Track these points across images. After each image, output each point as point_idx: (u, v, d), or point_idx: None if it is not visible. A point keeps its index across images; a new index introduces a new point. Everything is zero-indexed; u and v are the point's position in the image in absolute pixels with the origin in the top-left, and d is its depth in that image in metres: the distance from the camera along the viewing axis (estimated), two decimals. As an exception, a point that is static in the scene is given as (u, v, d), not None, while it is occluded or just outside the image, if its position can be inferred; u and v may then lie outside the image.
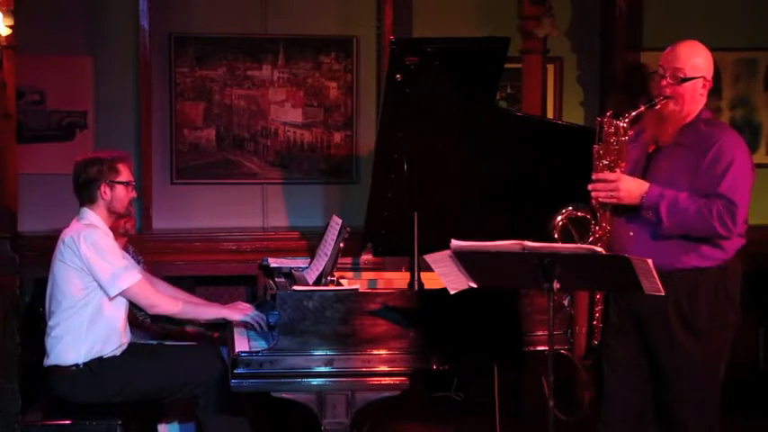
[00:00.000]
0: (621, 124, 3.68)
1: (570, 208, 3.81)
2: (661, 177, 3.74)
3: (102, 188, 4.40)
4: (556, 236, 3.83)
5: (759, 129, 6.89)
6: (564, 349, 3.91)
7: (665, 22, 6.70)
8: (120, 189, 4.43)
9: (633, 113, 3.70)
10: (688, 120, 3.77)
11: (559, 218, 3.85)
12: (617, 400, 3.89)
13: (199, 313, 4.55)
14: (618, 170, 3.69)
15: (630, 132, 3.76)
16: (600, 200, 3.71)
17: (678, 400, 3.80)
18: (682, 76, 3.72)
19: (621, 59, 6.49)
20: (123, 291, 4.33)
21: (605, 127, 3.70)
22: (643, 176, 3.77)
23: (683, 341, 3.74)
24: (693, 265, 3.71)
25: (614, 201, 3.67)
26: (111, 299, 4.33)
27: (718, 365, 3.83)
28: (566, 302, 3.88)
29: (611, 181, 3.67)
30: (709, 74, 3.79)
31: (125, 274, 4.33)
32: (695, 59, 3.75)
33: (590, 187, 3.70)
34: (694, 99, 3.77)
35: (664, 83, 3.73)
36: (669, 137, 3.75)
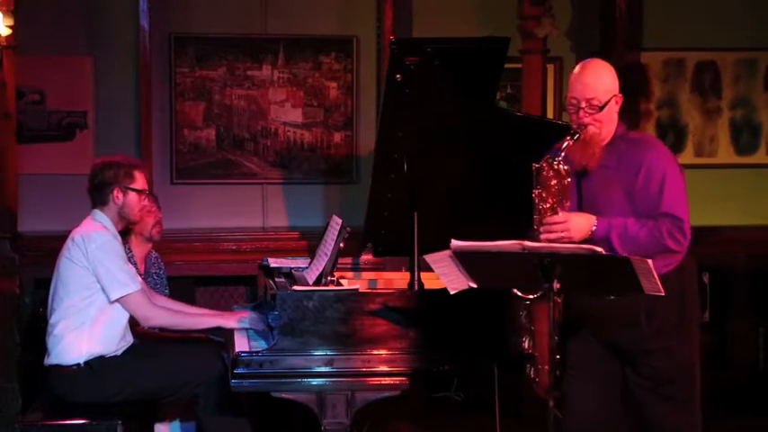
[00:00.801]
0: (562, 167, 3.68)
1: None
2: (595, 200, 3.78)
3: (115, 192, 4.44)
4: None
5: (759, 129, 6.89)
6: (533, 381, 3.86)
7: (665, 22, 6.70)
8: (132, 196, 4.47)
9: (563, 153, 3.70)
10: (608, 140, 3.79)
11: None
12: (577, 409, 3.89)
13: (193, 324, 4.55)
14: (561, 210, 3.69)
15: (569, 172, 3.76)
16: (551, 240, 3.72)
17: (660, 404, 3.81)
18: (597, 104, 3.74)
19: (621, 59, 6.48)
20: (121, 298, 4.34)
21: (544, 171, 3.70)
22: (578, 201, 3.80)
23: (659, 346, 3.76)
24: (657, 273, 3.73)
25: (566, 240, 3.68)
26: (111, 303, 4.35)
27: (695, 363, 3.88)
28: (525, 343, 3.86)
29: (560, 222, 3.68)
30: (618, 88, 3.80)
31: (127, 282, 4.35)
32: (604, 82, 3.77)
33: (543, 230, 3.69)
34: (611, 119, 3.81)
35: (582, 114, 3.74)
36: (595, 160, 3.77)
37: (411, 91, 4.31)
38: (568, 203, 3.73)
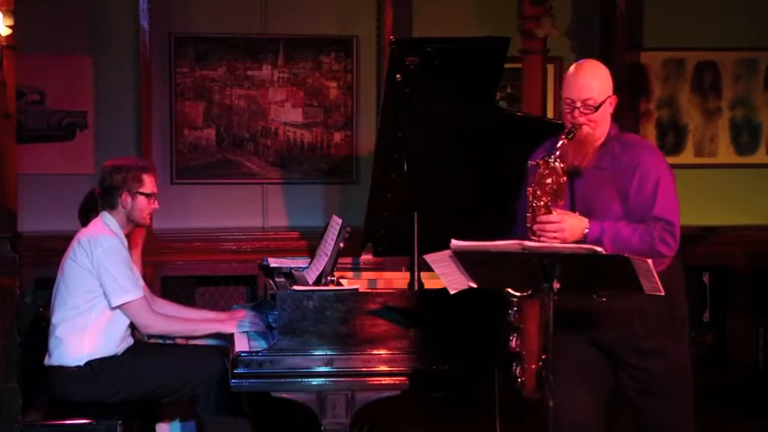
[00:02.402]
0: (559, 164, 3.70)
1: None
2: (589, 201, 3.78)
3: (124, 196, 4.44)
4: None
5: (759, 129, 6.89)
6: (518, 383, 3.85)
7: (665, 22, 6.71)
8: (141, 200, 4.46)
9: (558, 152, 3.71)
10: (601, 140, 3.80)
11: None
12: (565, 412, 3.87)
13: (192, 331, 4.55)
14: (555, 210, 3.70)
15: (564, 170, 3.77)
16: (544, 240, 3.72)
17: (654, 405, 3.82)
18: (593, 104, 3.75)
19: (621, 59, 6.49)
20: (123, 305, 4.34)
21: (539, 169, 3.71)
22: (571, 201, 3.81)
23: (652, 347, 3.77)
24: None
25: (558, 241, 3.68)
26: (112, 309, 4.35)
27: (687, 363, 3.89)
28: (512, 342, 3.84)
29: (555, 222, 3.68)
30: (612, 90, 3.81)
31: (131, 289, 4.35)
32: (600, 83, 3.79)
33: (536, 228, 3.69)
34: (605, 120, 3.82)
35: (577, 113, 3.75)
36: (588, 160, 3.78)
37: (411, 91, 4.31)
38: (563, 202, 3.74)
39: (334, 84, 6.55)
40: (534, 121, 5.21)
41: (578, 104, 3.75)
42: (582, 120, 3.75)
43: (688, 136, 6.83)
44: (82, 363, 4.32)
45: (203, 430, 4.45)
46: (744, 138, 6.88)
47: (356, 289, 4.15)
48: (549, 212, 3.69)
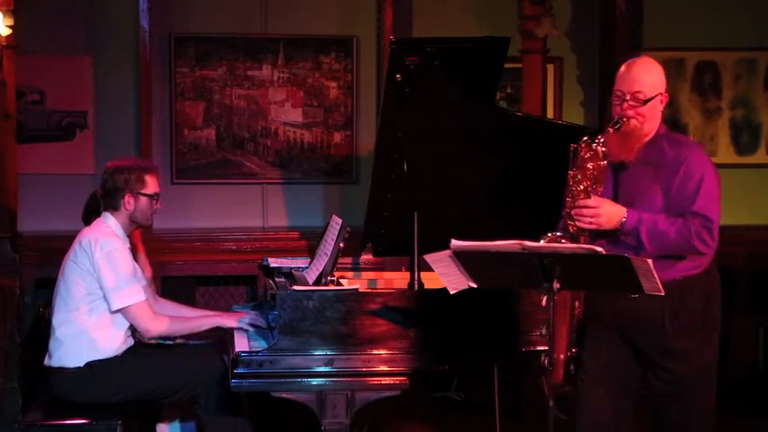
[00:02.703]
0: (600, 149, 3.70)
1: (550, 235, 3.81)
2: (632, 195, 3.78)
3: (127, 198, 4.42)
4: None
5: (759, 129, 6.89)
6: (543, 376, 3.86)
7: (665, 22, 6.70)
8: (144, 201, 4.44)
9: (602, 138, 3.71)
10: (650, 136, 3.80)
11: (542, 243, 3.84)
12: (591, 411, 3.89)
13: (194, 328, 4.53)
14: (594, 195, 3.71)
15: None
16: (580, 226, 3.72)
17: (678, 405, 3.81)
18: (642, 97, 3.76)
19: (621, 59, 6.46)
20: (123, 308, 4.33)
21: (581, 152, 3.71)
22: (613, 194, 3.81)
23: (682, 349, 3.76)
24: (683, 274, 3.74)
25: (594, 227, 3.69)
26: (112, 312, 4.34)
27: (714, 366, 3.88)
28: (541, 332, 3.84)
29: (593, 207, 3.69)
30: (664, 87, 3.84)
31: (129, 292, 4.33)
32: (652, 78, 3.79)
33: (574, 213, 3.70)
34: (654, 116, 3.82)
35: (626, 106, 3.75)
36: (633, 154, 3.78)
37: (411, 91, 4.31)
38: (601, 189, 3.73)
39: (334, 84, 6.55)
40: (534, 120, 5.22)
41: (627, 97, 3.75)
42: (630, 112, 3.75)
43: (688, 136, 6.82)
44: (82, 364, 4.32)
45: (203, 430, 4.45)
46: (744, 138, 6.88)
47: (356, 289, 4.15)
48: (588, 197, 3.69)
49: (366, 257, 5.01)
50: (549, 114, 6.53)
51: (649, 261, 3.32)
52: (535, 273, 3.44)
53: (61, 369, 4.34)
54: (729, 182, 6.74)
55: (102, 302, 4.34)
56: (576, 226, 3.73)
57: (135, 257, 4.58)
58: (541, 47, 6.04)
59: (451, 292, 3.63)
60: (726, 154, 6.85)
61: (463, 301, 3.80)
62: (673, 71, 6.77)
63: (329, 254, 4.31)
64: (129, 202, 4.42)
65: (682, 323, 3.75)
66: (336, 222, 4.39)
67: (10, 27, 5.51)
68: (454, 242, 3.47)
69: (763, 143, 6.90)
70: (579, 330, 3.78)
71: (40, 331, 4.67)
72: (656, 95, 3.78)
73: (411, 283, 4.34)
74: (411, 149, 4.40)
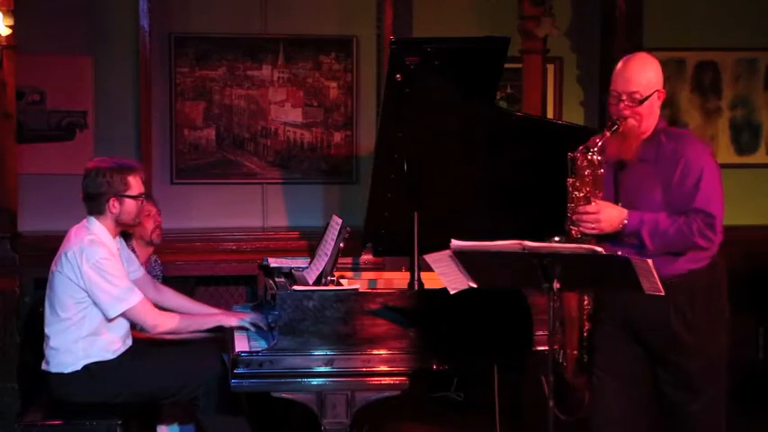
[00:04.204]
0: (595, 157, 3.72)
1: (557, 239, 3.82)
2: (633, 194, 3.79)
3: (111, 202, 4.30)
4: None
5: (759, 129, 6.90)
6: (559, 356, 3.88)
7: (665, 22, 6.71)
8: (129, 203, 4.32)
9: (600, 143, 3.72)
10: (648, 133, 3.80)
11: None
12: (604, 409, 3.89)
13: (199, 325, 4.50)
14: (594, 200, 3.71)
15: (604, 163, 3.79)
16: (583, 231, 3.73)
17: (689, 400, 3.82)
18: (639, 97, 3.74)
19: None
20: (124, 312, 4.28)
21: (578, 161, 3.72)
22: (614, 194, 3.81)
23: (689, 343, 3.76)
24: (688, 268, 3.74)
25: (597, 231, 3.69)
26: (109, 320, 4.31)
27: (724, 362, 3.88)
28: (553, 329, 3.84)
29: (593, 213, 3.69)
30: (661, 84, 3.81)
31: (126, 296, 4.27)
32: (647, 76, 3.77)
33: (575, 219, 3.71)
34: (652, 114, 3.81)
35: (622, 106, 3.75)
36: (632, 153, 3.78)
37: (411, 91, 4.31)
38: (601, 194, 3.74)
39: (334, 84, 6.55)
40: (534, 120, 5.22)
41: (624, 97, 3.74)
42: (627, 112, 3.74)
43: (687, 130, 6.83)
44: (79, 367, 4.28)
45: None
46: (744, 138, 6.88)
47: (356, 289, 4.15)
48: (589, 203, 3.70)
49: (366, 257, 5.01)
50: (549, 114, 6.53)
51: (650, 261, 3.32)
52: (535, 273, 3.44)
53: (59, 374, 4.30)
54: (729, 182, 6.72)
55: (93, 309, 4.27)
56: (579, 231, 3.74)
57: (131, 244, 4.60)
58: (541, 47, 6.04)
59: (451, 292, 3.63)
60: (726, 154, 6.85)
61: (463, 301, 3.80)
62: (673, 71, 6.77)
63: (329, 254, 4.30)
64: (113, 205, 4.30)
65: (687, 318, 3.74)
66: (336, 222, 4.39)
67: (10, 27, 5.52)
68: (454, 242, 3.47)
69: (763, 143, 6.90)
70: (589, 327, 3.79)
71: (39, 331, 4.66)
72: (653, 93, 3.76)
73: (411, 283, 4.34)
74: (411, 149, 4.40)
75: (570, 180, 3.75)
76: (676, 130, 3.95)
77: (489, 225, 4.54)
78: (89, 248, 4.24)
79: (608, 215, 3.70)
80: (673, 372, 3.81)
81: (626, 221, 3.69)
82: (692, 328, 3.75)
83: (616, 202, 3.78)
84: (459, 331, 4.14)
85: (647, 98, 3.74)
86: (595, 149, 3.72)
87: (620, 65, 3.82)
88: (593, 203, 3.71)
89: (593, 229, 3.70)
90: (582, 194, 3.73)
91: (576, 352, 3.68)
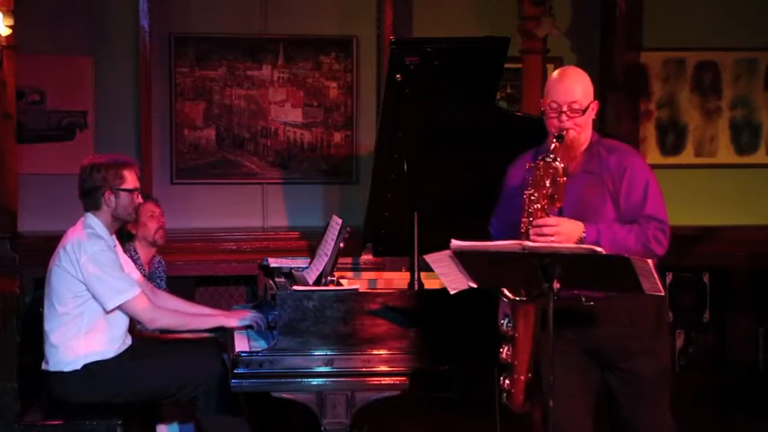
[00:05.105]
0: (560, 165, 3.69)
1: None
2: (580, 205, 3.79)
3: (107, 195, 4.33)
4: None
5: (759, 129, 6.90)
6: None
7: (665, 22, 6.71)
8: (124, 197, 4.35)
9: (552, 154, 3.71)
10: (585, 145, 3.83)
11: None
12: (560, 421, 3.87)
13: (198, 324, 4.51)
14: (552, 214, 3.70)
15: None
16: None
17: (639, 406, 3.82)
18: (579, 108, 3.78)
19: (621, 59, 6.50)
20: (121, 305, 4.29)
21: (538, 171, 3.69)
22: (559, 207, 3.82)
23: (643, 349, 3.78)
24: None
25: (555, 244, 3.68)
26: (107, 313, 4.31)
27: (669, 365, 3.97)
28: (504, 353, 3.79)
29: (553, 225, 3.68)
30: (593, 94, 3.86)
31: (124, 289, 4.28)
32: (585, 88, 3.82)
33: (532, 232, 3.69)
34: (588, 125, 3.86)
35: (564, 118, 3.76)
36: (575, 164, 3.79)
37: (411, 91, 4.31)
38: (560, 205, 3.73)
39: (334, 84, 6.55)
40: (534, 120, 5.21)
41: (564, 108, 3.77)
42: (569, 124, 3.77)
43: (688, 136, 6.83)
44: (79, 367, 4.28)
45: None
46: (744, 138, 6.88)
47: (356, 289, 4.15)
48: (547, 216, 3.69)
49: (366, 257, 5.01)
50: (549, 114, 6.52)
51: (649, 261, 3.33)
52: (535, 273, 3.44)
53: (59, 373, 4.31)
54: (729, 182, 6.82)
55: (93, 303, 4.29)
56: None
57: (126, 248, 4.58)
58: (541, 47, 6.04)
59: (451, 293, 3.63)
60: (726, 154, 6.85)
61: (463, 301, 3.80)
62: (673, 71, 6.78)
63: (329, 254, 4.30)
64: (109, 199, 4.33)
65: (640, 324, 3.77)
66: (336, 222, 4.39)
67: (10, 27, 5.51)
68: (454, 242, 3.47)
69: (763, 143, 6.90)
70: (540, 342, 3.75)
71: (39, 331, 4.66)
72: (590, 104, 3.80)
73: (411, 283, 4.34)
74: (411, 149, 4.40)
75: (527, 192, 3.70)
76: (611, 142, 3.95)
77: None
78: (87, 241, 4.27)
79: (567, 229, 3.67)
80: (625, 378, 3.82)
81: (584, 235, 3.69)
82: (641, 333, 3.78)
83: (559, 214, 3.77)
84: (459, 331, 4.15)
85: (586, 109, 3.77)
86: (555, 157, 3.70)
87: (555, 77, 3.85)
88: (552, 217, 3.70)
89: (551, 242, 3.66)
90: (539, 207, 3.69)
91: (523, 377, 3.64)
